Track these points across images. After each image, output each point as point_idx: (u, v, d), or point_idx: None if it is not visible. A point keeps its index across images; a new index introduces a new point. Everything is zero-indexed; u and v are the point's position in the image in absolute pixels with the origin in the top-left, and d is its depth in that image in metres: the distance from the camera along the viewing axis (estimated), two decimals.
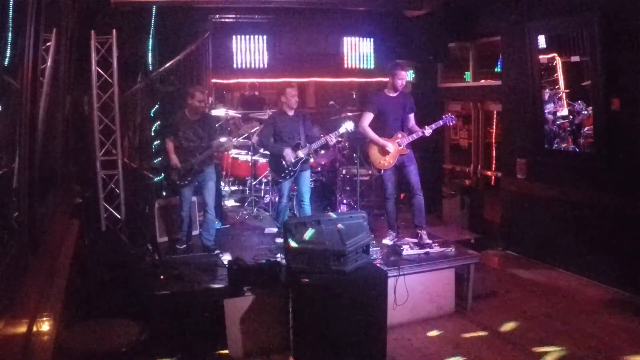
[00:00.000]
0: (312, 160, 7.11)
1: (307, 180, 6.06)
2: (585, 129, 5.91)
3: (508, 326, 4.97)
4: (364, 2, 7.85)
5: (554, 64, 6.16)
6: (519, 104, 6.78)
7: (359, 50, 9.04)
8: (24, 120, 2.70)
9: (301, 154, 5.85)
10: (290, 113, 5.92)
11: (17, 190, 2.80)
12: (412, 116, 5.68)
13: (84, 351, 3.15)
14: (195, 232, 6.17)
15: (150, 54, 7.27)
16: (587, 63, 5.75)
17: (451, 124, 5.80)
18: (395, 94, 5.59)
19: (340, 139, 7.28)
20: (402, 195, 6.94)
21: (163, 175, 6.33)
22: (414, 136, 5.55)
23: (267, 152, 7.53)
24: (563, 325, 4.93)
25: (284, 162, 5.82)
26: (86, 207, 5.80)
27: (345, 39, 8.94)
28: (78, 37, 5.70)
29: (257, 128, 7.77)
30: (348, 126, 5.86)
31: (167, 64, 7.26)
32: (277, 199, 6.35)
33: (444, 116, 5.73)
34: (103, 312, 3.94)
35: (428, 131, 5.53)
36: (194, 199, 6.07)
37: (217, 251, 5.67)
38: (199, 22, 7.84)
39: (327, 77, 9.23)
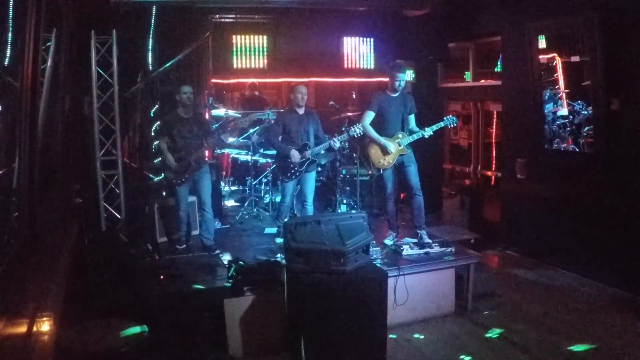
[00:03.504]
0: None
1: (312, 181, 6.01)
2: (585, 129, 5.91)
3: (508, 326, 4.97)
4: (364, 2, 7.86)
5: (554, 64, 6.16)
6: (519, 104, 6.78)
7: (359, 50, 9.05)
8: (24, 120, 2.70)
9: (308, 154, 5.81)
10: (300, 112, 5.87)
11: (17, 190, 2.80)
12: (412, 117, 5.68)
13: (84, 351, 3.15)
14: (195, 232, 6.17)
15: (150, 54, 7.28)
16: (587, 63, 5.75)
17: (452, 126, 5.79)
18: (396, 94, 5.59)
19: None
20: (402, 195, 6.94)
21: (163, 175, 6.34)
22: (414, 137, 5.55)
23: (268, 152, 7.56)
24: (563, 325, 4.92)
25: (290, 162, 5.80)
26: (86, 207, 5.80)
27: (345, 39, 8.94)
28: (78, 37, 5.70)
29: (258, 127, 7.78)
30: (355, 131, 5.65)
31: (167, 64, 7.26)
32: (280, 199, 6.31)
33: (445, 118, 5.72)
34: (103, 312, 3.94)
35: (428, 132, 5.53)
36: (192, 198, 6.07)
37: (217, 251, 5.67)
38: (199, 22, 7.84)
39: (327, 77, 9.23)
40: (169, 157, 5.58)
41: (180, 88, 5.64)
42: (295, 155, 5.73)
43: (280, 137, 5.87)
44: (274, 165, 6.44)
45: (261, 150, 7.78)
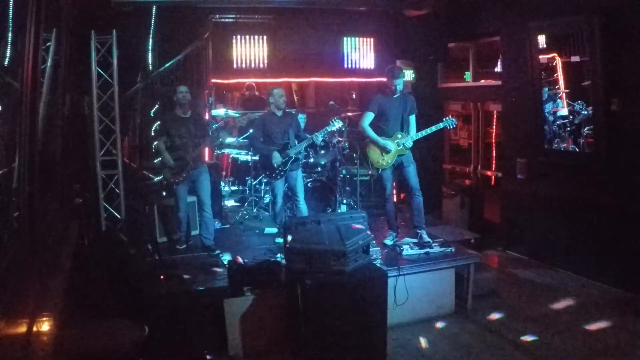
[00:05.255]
0: (311, 160, 7.12)
1: (299, 179, 6.10)
2: (585, 129, 5.91)
3: (508, 326, 4.97)
4: (364, 2, 7.86)
5: (554, 64, 6.16)
6: (519, 104, 6.78)
7: (359, 50, 9.04)
8: (24, 120, 2.70)
9: (290, 153, 5.90)
10: (279, 114, 5.96)
11: (17, 190, 2.80)
12: (413, 117, 5.67)
13: (84, 351, 3.15)
14: (195, 232, 6.17)
15: (150, 54, 7.28)
16: (587, 63, 5.75)
17: (452, 127, 5.80)
18: (396, 95, 5.59)
19: (340, 138, 7.29)
20: (402, 195, 6.94)
21: (162, 175, 6.34)
22: (414, 137, 5.55)
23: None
24: (563, 325, 4.92)
25: (273, 163, 5.86)
26: (86, 207, 5.80)
27: (345, 39, 8.94)
28: (78, 37, 5.70)
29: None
30: (335, 125, 5.92)
31: (167, 64, 7.26)
32: (272, 200, 6.38)
33: (444, 119, 5.73)
34: (103, 312, 3.94)
35: (428, 133, 5.53)
36: (192, 198, 6.07)
37: (217, 251, 5.67)
38: (199, 22, 7.84)
39: (327, 77, 9.23)
40: (166, 155, 5.60)
41: (177, 88, 5.68)
42: (276, 157, 5.85)
43: (261, 139, 5.97)
44: (260, 166, 6.47)
45: None
